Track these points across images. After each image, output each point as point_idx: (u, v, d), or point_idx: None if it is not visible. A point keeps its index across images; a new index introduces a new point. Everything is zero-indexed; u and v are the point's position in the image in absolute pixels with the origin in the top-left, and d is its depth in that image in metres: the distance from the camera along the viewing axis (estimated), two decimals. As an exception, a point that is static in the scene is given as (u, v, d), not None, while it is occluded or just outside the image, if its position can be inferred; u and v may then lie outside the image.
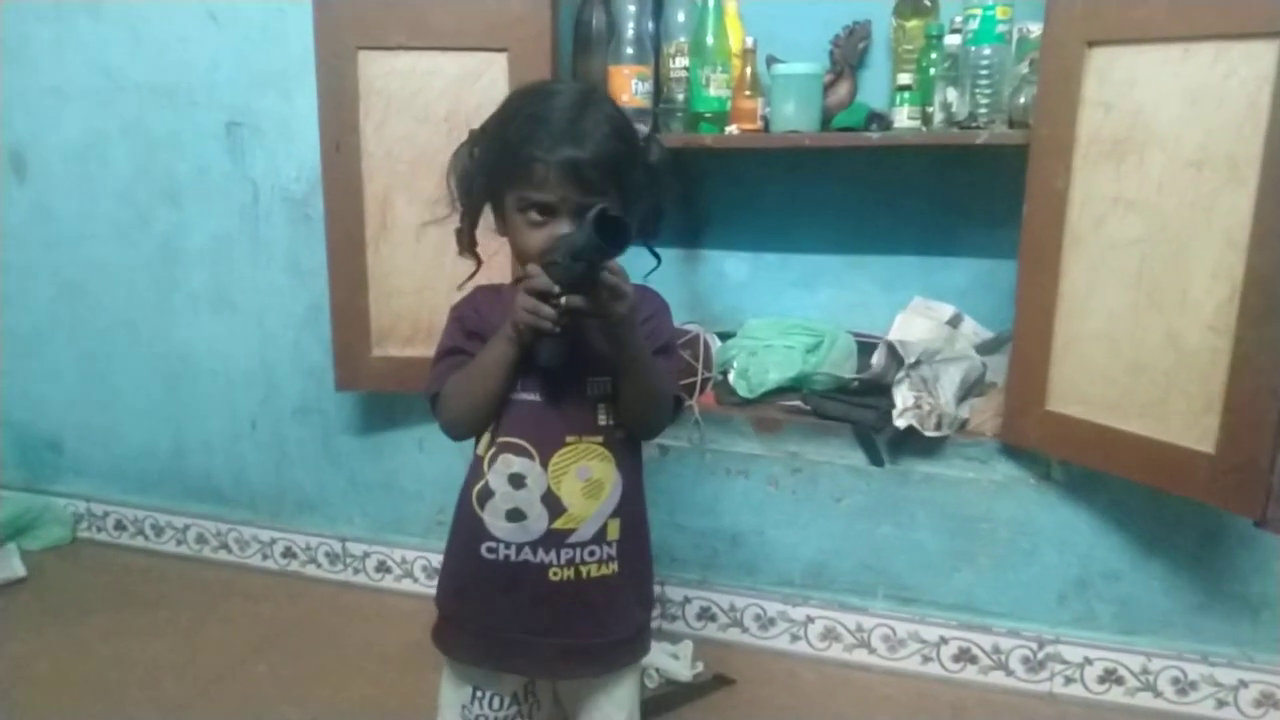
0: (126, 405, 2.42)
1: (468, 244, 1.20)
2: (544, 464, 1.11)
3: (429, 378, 1.17)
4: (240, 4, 2.13)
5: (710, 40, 1.88)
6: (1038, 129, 1.63)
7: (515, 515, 1.11)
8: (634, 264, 1.10)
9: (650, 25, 1.97)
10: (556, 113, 1.06)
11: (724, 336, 2.08)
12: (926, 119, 1.82)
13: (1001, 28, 1.71)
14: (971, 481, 1.82)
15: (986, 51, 1.71)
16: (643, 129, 1.17)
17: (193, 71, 2.19)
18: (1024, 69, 1.75)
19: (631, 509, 1.17)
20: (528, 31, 1.81)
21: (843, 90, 1.95)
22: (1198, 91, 1.42)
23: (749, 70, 1.89)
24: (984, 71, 1.72)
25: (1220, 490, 1.44)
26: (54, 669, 1.89)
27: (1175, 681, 1.77)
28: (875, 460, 1.86)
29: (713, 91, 1.89)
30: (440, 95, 1.87)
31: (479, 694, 1.20)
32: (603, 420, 1.13)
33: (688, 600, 2.02)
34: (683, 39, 1.94)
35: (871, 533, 1.89)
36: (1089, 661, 1.81)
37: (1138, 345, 1.54)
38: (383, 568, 2.27)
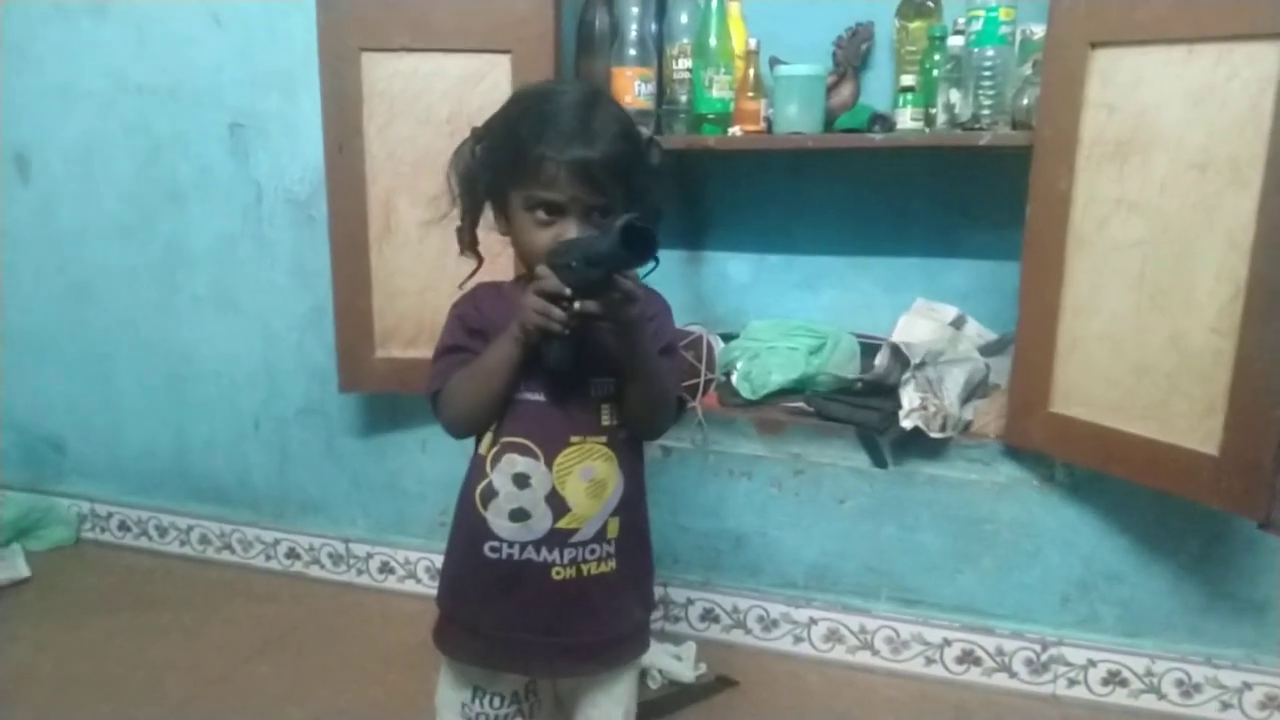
0: (130, 406, 2.42)
1: (468, 242, 1.20)
2: (549, 464, 1.11)
3: (430, 375, 1.17)
4: (244, 6, 2.13)
5: (713, 42, 1.88)
6: (1041, 130, 1.63)
7: (519, 515, 1.11)
8: (633, 264, 1.10)
9: (653, 27, 1.97)
10: (565, 112, 1.06)
11: (727, 338, 2.08)
12: (929, 120, 1.82)
13: (1004, 29, 1.71)
14: (975, 483, 1.82)
15: (989, 53, 1.71)
16: (644, 131, 1.17)
17: (196, 73, 2.19)
18: (1027, 70, 1.75)
19: (632, 508, 1.17)
20: (531, 33, 1.81)
21: (846, 92, 1.95)
22: (1201, 93, 1.42)
23: (752, 72, 1.90)
24: (987, 73, 1.72)
25: (1224, 492, 1.44)
26: (58, 669, 1.90)
27: (1179, 684, 1.77)
28: (878, 462, 1.86)
29: (716, 93, 1.89)
30: (443, 97, 1.87)
31: (479, 694, 1.20)
32: (606, 421, 1.13)
33: (691, 601, 2.02)
34: (686, 40, 1.94)
35: (875, 534, 1.89)
36: (1093, 663, 1.81)
37: (1141, 347, 1.53)
38: (386, 569, 2.27)
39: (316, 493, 2.31)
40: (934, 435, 1.75)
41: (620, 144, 1.06)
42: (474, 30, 1.84)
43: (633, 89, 1.90)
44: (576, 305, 1.01)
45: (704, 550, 2.00)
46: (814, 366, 1.91)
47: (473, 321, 1.17)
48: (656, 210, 1.14)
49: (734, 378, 1.96)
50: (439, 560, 2.15)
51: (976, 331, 1.96)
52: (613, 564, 1.15)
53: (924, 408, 1.74)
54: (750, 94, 1.89)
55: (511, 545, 1.12)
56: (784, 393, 1.92)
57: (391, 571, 2.26)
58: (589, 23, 1.97)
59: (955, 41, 1.76)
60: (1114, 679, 1.80)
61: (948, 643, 1.88)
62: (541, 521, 1.11)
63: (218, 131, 2.21)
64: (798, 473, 1.91)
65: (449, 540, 1.22)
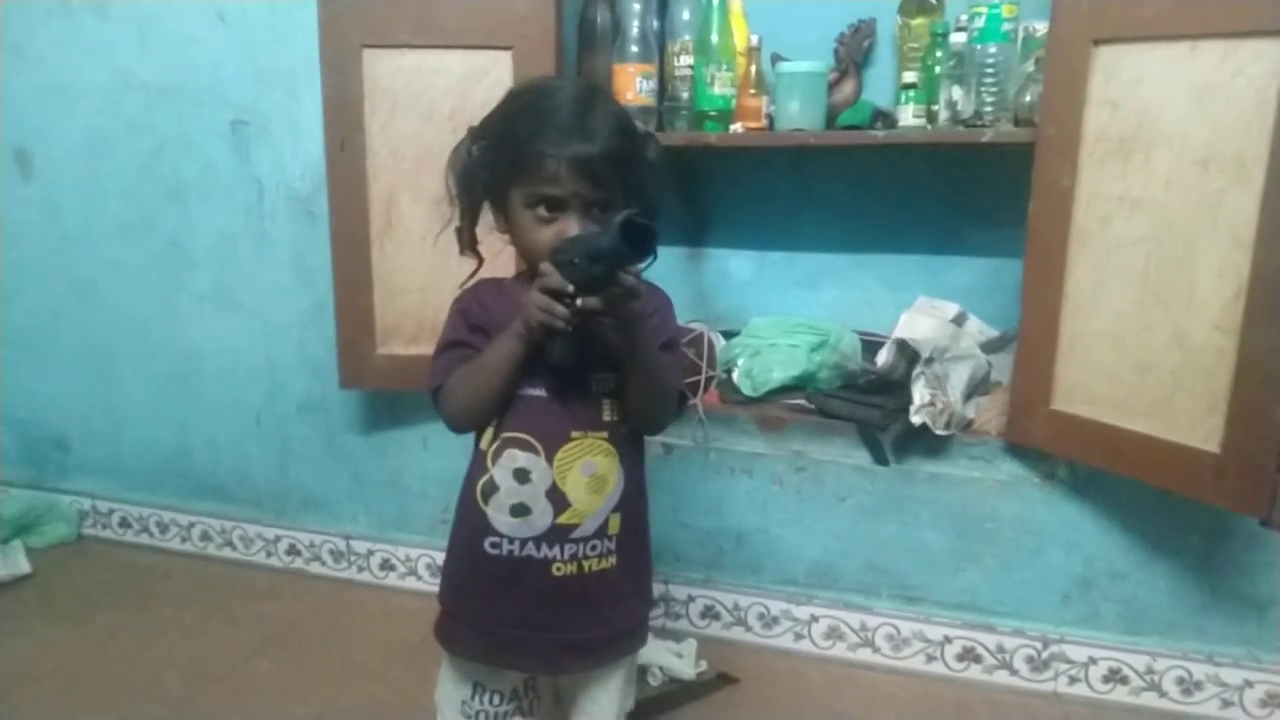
0: (132, 403, 2.42)
1: (468, 242, 1.20)
2: (549, 459, 1.11)
3: (432, 370, 1.17)
4: (247, 3, 2.13)
5: (715, 38, 1.88)
6: (1044, 127, 1.62)
7: (520, 510, 1.11)
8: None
9: (655, 23, 1.97)
10: (563, 108, 1.06)
11: (728, 335, 2.08)
12: (932, 117, 1.82)
13: (1007, 26, 1.71)
14: (976, 481, 1.82)
15: (992, 49, 1.71)
16: (641, 126, 1.17)
17: (199, 70, 2.19)
18: (1029, 67, 1.75)
19: (633, 504, 1.17)
20: (533, 30, 1.81)
21: (848, 88, 1.95)
22: (1205, 90, 1.41)
23: (754, 68, 1.89)
24: (989, 70, 1.72)
25: (1226, 490, 1.44)
26: (59, 666, 1.90)
27: (1180, 681, 1.77)
28: (880, 459, 1.86)
29: (717, 90, 1.89)
30: (445, 93, 1.87)
31: (480, 690, 1.20)
32: (607, 416, 1.13)
33: (692, 599, 2.02)
34: (687, 37, 1.94)
35: (876, 532, 1.89)
36: (1094, 661, 1.81)
37: (1143, 344, 1.53)
38: (387, 565, 2.27)
39: (317, 489, 2.31)
40: (939, 432, 1.74)
41: (619, 139, 1.06)
42: (476, 27, 1.83)
43: (634, 86, 1.90)
44: (579, 302, 1.00)
45: (705, 547, 2.00)
46: (815, 364, 1.91)
47: (474, 317, 1.17)
48: (654, 204, 1.14)
49: (735, 375, 1.96)
50: (440, 557, 2.15)
51: (978, 329, 1.96)
52: (613, 560, 1.15)
53: (932, 404, 1.74)
54: (752, 91, 1.89)
55: (512, 541, 1.12)
56: (785, 390, 1.92)
57: (392, 568, 2.26)
58: (590, 19, 1.97)
59: (958, 38, 1.76)
60: (1115, 676, 1.80)
61: (949, 640, 1.88)
62: (542, 517, 1.11)
63: (220, 129, 2.20)
64: (799, 470, 1.91)
65: (450, 536, 1.22)
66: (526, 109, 1.08)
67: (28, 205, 2.39)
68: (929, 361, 1.77)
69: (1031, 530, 1.80)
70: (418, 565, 2.24)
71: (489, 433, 1.14)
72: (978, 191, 2.00)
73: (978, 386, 1.87)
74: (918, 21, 1.87)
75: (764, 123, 1.90)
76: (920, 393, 1.76)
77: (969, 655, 1.88)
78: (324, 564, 2.32)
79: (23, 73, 2.31)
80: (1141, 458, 1.56)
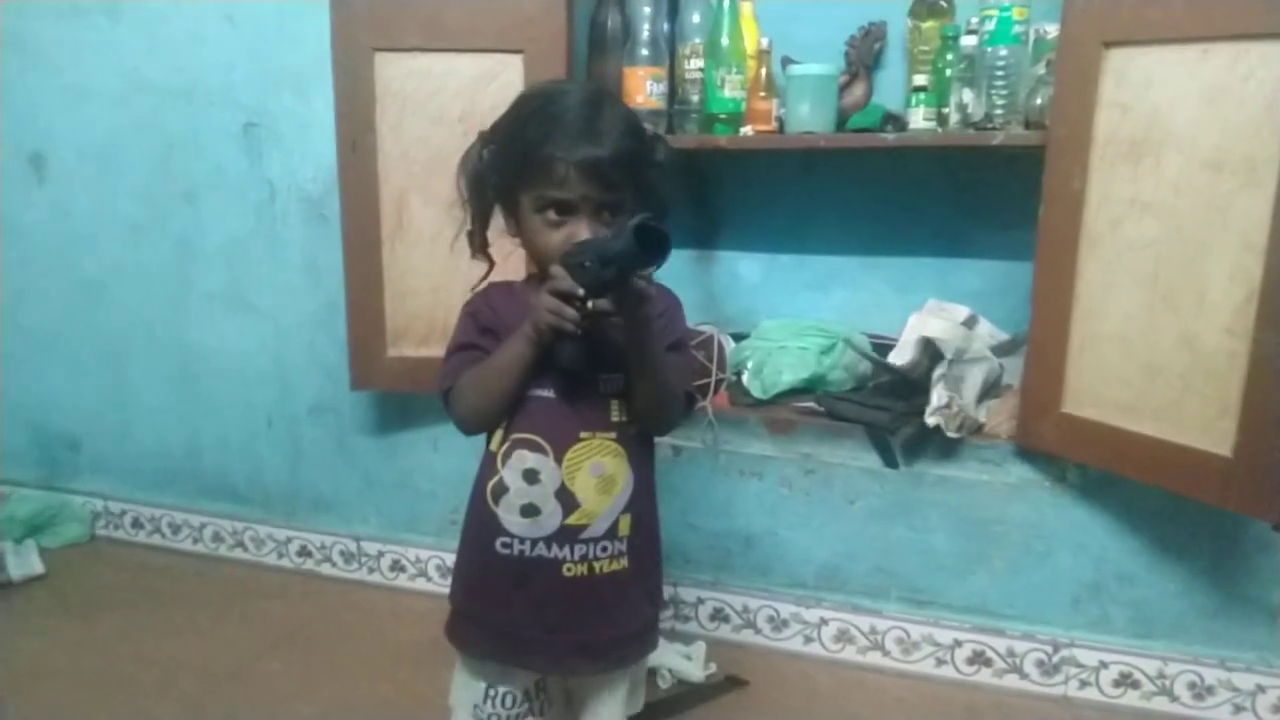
0: (143, 404, 2.43)
1: (479, 245, 1.20)
2: (558, 460, 1.11)
3: (442, 372, 1.18)
4: (257, 5, 2.14)
5: (725, 41, 1.88)
6: (1054, 130, 1.62)
7: (529, 511, 1.12)
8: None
9: (665, 26, 1.97)
10: (572, 112, 1.06)
11: (738, 337, 2.08)
12: (942, 120, 1.81)
13: (1018, 29, 1.71)
14: (986, 484, 1.82)
15: (1003, 52, 1.71)
16: (649, 128, 1.17)
17: (210, 72, 2.20)
18: (1040, 70, 1.74)
19: (643, 505, 1.17)
20: (543, 33, 1.82)
21: (858, 91, 1.95)
22: (1216, 92, 1.41)
23: (764, 71, 1.89)
24: (1000, 72, 1.72)
25: (1237, 494, 1.43)
26: (71, 665, 1.91)
27: (1192, 686, 1.76)
28: (889, 462, 1.86)
29: (728, 93, 1.89)
30: (456, 96, 1.88)
31: (491, 691, 1.20)
32: (616, 417, 1.14)
33: (701, 601, 2.02)
34: (698, 40, 1.94)
35: (885, 535, 1.89)
36: (1104, 665, 1.80)
37: (1154, 348, 1.53)
38: (397, 567, 2.27)
39: (328, 491, 2.32)
40: (951, 435, 1.74)
41: (628, 141, 1.07)
42: (486, 30, 1.84)
43: (644, 89, 1.90)
44: (591, 304, 1.01)
45: (714, 550, 2.00)
46: (824, 367, 1.91)
47: (484, 320, 1.17)
48: (665, 206, 1.14)
49: (745, 377, 1.95)
50: (450, 558, 2.16)
51: (988, 332, 1.95)
52: (624, 562, 1.15)
53: (948, 406, 1.74)
54: (762, 93, 1.89)
55: (523, 541, 1.12)
56: (795, 392, 1.92)
57: (402, 569, 2.27)
58: (601, 23, 1.97)
59: (968, 41, 1.75)
60: (1126, 681, 1.79)
61: (958, 643, 1.88)
62: (551, 518, 1.11)
63: (231, 130, 2.22)
64: (808, 473, 1.91)
65: (461, 536, 1.22)
66: (536, 113, 1.09)
67: (38, 206, 2.40)
68: (951, 363, 1.77)
69: (1041, 533, 1.80)
70: (428, 566, 2.24)
71: (499, 434, 1.14)
72: (988, 194, 1.99)
73: (989, 389, 1.87)
74: (928, 24, 1.87)
75: (774, 125, 1.90)
76: (939, 394, 1.75)
77: (979, 659, 1.87)
78: (335, 565, 2.33)
79: (34, 74, 2.33)
80: (1151, 461, 1.55)
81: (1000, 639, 1.85)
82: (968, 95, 1.76)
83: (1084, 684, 1.82)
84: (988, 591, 1.85)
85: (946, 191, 2.04)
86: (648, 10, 1.93)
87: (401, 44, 1.86)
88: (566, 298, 1.01)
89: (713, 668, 1.88)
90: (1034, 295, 1.68)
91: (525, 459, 1.12)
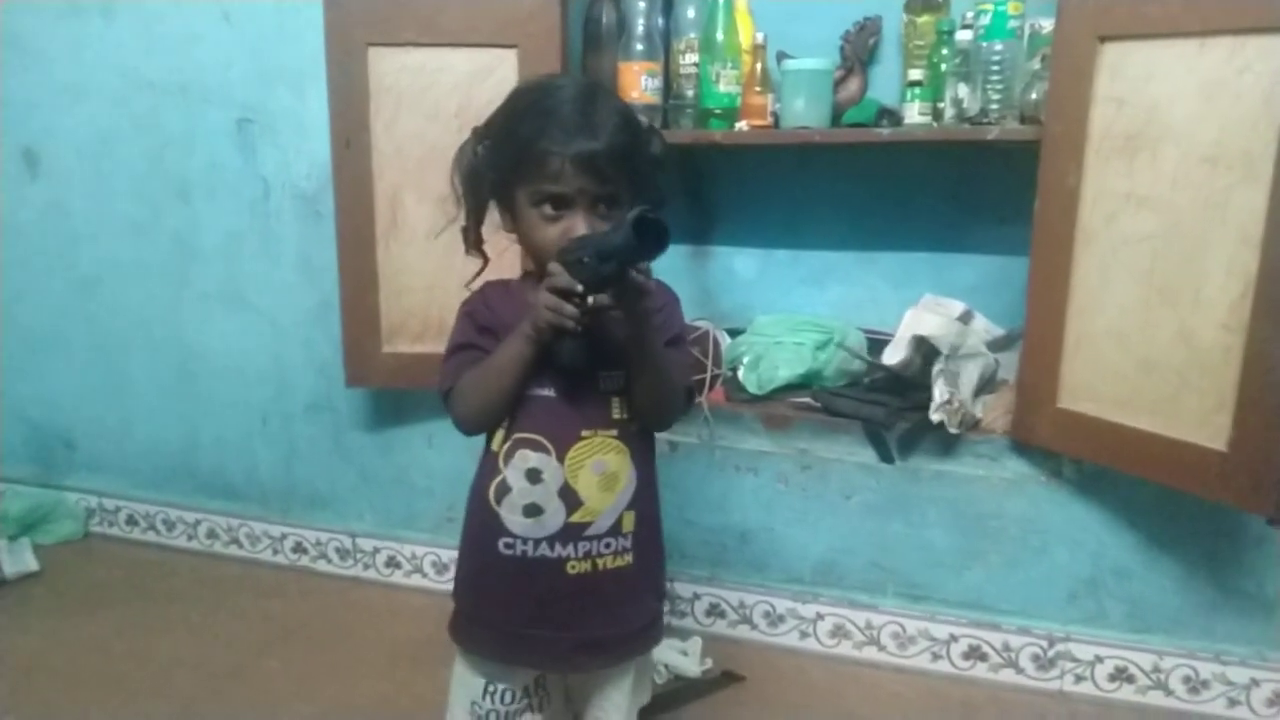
0: (139, 401, 2.43)
1: (474, 242, 1.20)
2: (560, 459, 1.11)
3: (442, 373, 1.17)
4: (252, 2, 2.13)
5: (720, 36, 1.88)
6: (1049, 125, 1.62)
7: (532, 510, 1.11)
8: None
9: (660, 21, 1.97)
10: (566, 106, 1.06)
11: (733, 333, 2.08)
12: (937, 115, 1.81)
13: (1013, 23, 1.71)
14: (982, 479, 1.82)
15: (998, 47, 1.71)
16: (644, 121, 1.17)
17: (205, 69, 2.20)
18: (1035, 65, 1.74)
19: (646, 501, 1.17)
20: (538, 28, 1.81)
21: (853, 86, 1.94)
22: (1212, 87, 1.41)
23: (759, 66, 1.89)
24: (995, 67, 1.72)
25: (1233, 488, 1.43)
26: (66, 663, 1.91)
27: (1187, 680, 1.76)
28: (885, 457, 1.86)
29: (723, 88, 1.89)
30: (451, 92, 1.87)
31: (490, 687, 1.20)
32: (617, 414, 1.13)
33: (697, 597, 2.02)
34: (693, 35, 1.94)
35: (881, 530, 1.89)
36: (1099, 659, 1.80)
37: (1150, 342, 1.53)
38: (392, 563, 2.27)
39: (324, 487, 2.32)
40: (953, 431, 1.74)
41: (622, 134, 1.06)
42: (481, 25, 1.84)
43: (639, 84, 1.90)
44: (591, 300, 1.00)
45: (710, 545, 2.00)
46: (820, 362, 1.91)
47: (482, 319, 1.17)
48: (661, 199, 1.14)
49: (740, 373, 1.95)
50: (445, 555, 2.17)
51: (984, 327, 1.95)
52: (629, 558, 1.15)
53: (949, 402, 1.73)
54: (757, 89, 1.88)
55: (525, 541, 1.12)
56: (791, 388, 1.93)
57: (398, 566, 2.27)
58: (596, 18, 1.97)
59: (963, 36, 1.75)
60: (1121, 675, 1.80)
61: (954, 638, 1.88)
62: (555, 517, 1.11)
63: (226, 127, 2.21)
64: (804, 468, 1.91)
65: (463, 536, 1.22)
66: (530, 108, 1.08)
67: (34, 204, 2.40)
68: (947, 358, 1.77)
69: (1037, 528, 1.80)
70: (423, 563, 2.24)
71: (500, 434, 1.14)
72: (983, 189, 1.99)
73: (985, 385, 1.87)
74: (923, 19, 1.87)
75: (769, 120, 1.90)
76: (940, 390, 1.75)
77: (974, 654, 1.88)
78: (330, 562, 2.33)
79: (30, 72, 2.32)
80: (1148, 456, 1.55)
81: (996, 634, 1.86)
82: (963, 90, 1.76)
83: (1079, 678, 1.82)
84: (984, 586, 1.85)
85: (942, 186, 2.04)
86: (643, 5, 1.93)
87: (396, 39, 1.86)
88: (565, 295, 1.00)
89: (709, 663, 1.88)
90: (1029, 290, 1.68)
91: (528, 458, 1.12)
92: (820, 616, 1.95)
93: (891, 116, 1.86)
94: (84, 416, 2.49)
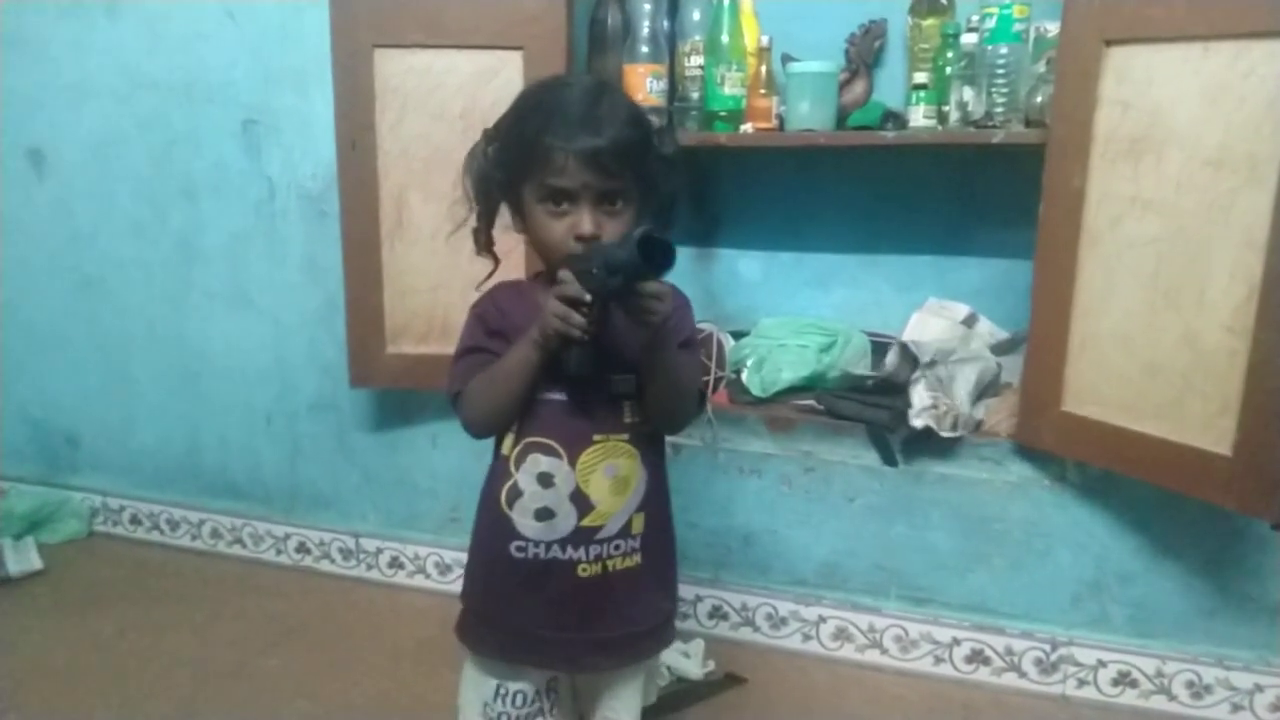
0: (143, 401, 2.43)
1: (485, 243, 1.20)
2: (572, 463, 1.11)
3: (450, 375, 1.17)
4: (258, 2, 2.14)
5: (725, 39, 1.88)
6: (1054, 128, 1.62)
7: (544, 514, 1.12)
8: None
9: (665, 24, 1.97)
10: (572, 103, 1.06)
11: (737, 335, 2.08)
12: (942, 118, 1.81)
13: (1018, 26, 1.71)
14: (986, 482, 1.81)
15: (1003, 50, 1.71)
16: (656, 120, 1.17)
17: (210, 69, 2.20)
18: (1041, 68, 1.74)
19: (656, 502, 1.18)
20: (543, 30, 1.82)
21: (858, 89, 1.95)
22: (1217, 90, 1.41)
23: (764, 69, 1.89)
24: (1000, 70, 1.72)
25: (1237, 493, 1.43)
26: (69, 662, 1.91)
27: (1190, 685, 1.76)
28: (889, 460, 1.86)
29: (728, 90, 1.89)
30: (456, 93, 1.87)
31: (502, 689, 1.20)
32: (628, 418, 1.14)
33: (699, 599, 2.02)
34: (698, 37, 1.94)
35: (885, 533, 1.89)
36: (1102, 664, 1.80)
37: (1154, 346, 1.53)
38: (396, 564, 2.27)
39: (327, 487, 2.32)
40: (945, 434, 1.74)
41: (628, 130, 1.06)
42: (486, 27, 1.84)
43: (644, 86, 1.90)
44: (597, 310, 1.01)
45: (713, 548, 2.00)
46: (824, 365, 1.91)
47: (492, 322, 1.16)
48: (672, 198, 1.14)
49: (744, 375, 1.95)
50: (449, 556, 2.17)
51: (988, 330, 1.96)
52: (638, 559, 1.16)
53: (934, 406, 1.74)
54: (762, 91, 1.89)
55: (537, 544, 1.12)
56: (794, 390, 1.92)
57: (401, 567, 2.27)
58: (601, 20, 1.97)
59: (969, 39, 1.75)
60: (1124, 680, 1.79)
61: (957, 642, 1.88)
62: (566, 520, 1.11)
63: (231, 128, 2.21)
64: (808, 470, 1.91)
65: (472, 539, 1.22)
66: (537, 105, 1.09)
67: (39, 203, 2.40)
68: (930, 365, 1.77)
69: (1041, 532, 1.80)
70: (426, 563, 2.24)
71: (510, 438, 1.14)
72: (988, 192, 1.99)
73: (987, 388, 1.87)
74: (929, 22, 1.87)
75: (774, 123, 1.90)
76: (920, 396, 1.76)
77: (977, 657, 1.87)
78: (333, 562, 2.33)
79: (34, 72, 2.33)
80: (1151, 460, 1.55)
81: (999, 637, 1.85)
82: (968, 93, 1.76)
83: (1082, 683, 1.82)
84: (987, 590, 1.85)
85: (946, 189, 2.04)
86: (648, 7, 1.93)
87: (402, 41, 1.86)
88: (574, 303, 1.01)
89: (711, 665, 1.88)
90: (1034, 293, 1.68)
91: (539, 463, 1.12)
92: (823, 619, 1.95)
93: (896, 119, 1.86)
94: (88, 416, 2.50)
